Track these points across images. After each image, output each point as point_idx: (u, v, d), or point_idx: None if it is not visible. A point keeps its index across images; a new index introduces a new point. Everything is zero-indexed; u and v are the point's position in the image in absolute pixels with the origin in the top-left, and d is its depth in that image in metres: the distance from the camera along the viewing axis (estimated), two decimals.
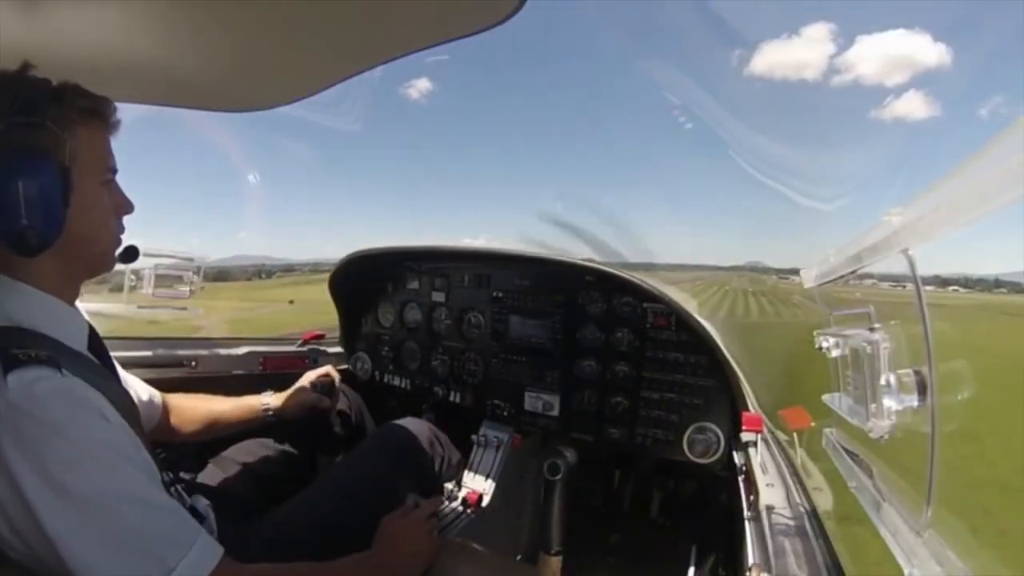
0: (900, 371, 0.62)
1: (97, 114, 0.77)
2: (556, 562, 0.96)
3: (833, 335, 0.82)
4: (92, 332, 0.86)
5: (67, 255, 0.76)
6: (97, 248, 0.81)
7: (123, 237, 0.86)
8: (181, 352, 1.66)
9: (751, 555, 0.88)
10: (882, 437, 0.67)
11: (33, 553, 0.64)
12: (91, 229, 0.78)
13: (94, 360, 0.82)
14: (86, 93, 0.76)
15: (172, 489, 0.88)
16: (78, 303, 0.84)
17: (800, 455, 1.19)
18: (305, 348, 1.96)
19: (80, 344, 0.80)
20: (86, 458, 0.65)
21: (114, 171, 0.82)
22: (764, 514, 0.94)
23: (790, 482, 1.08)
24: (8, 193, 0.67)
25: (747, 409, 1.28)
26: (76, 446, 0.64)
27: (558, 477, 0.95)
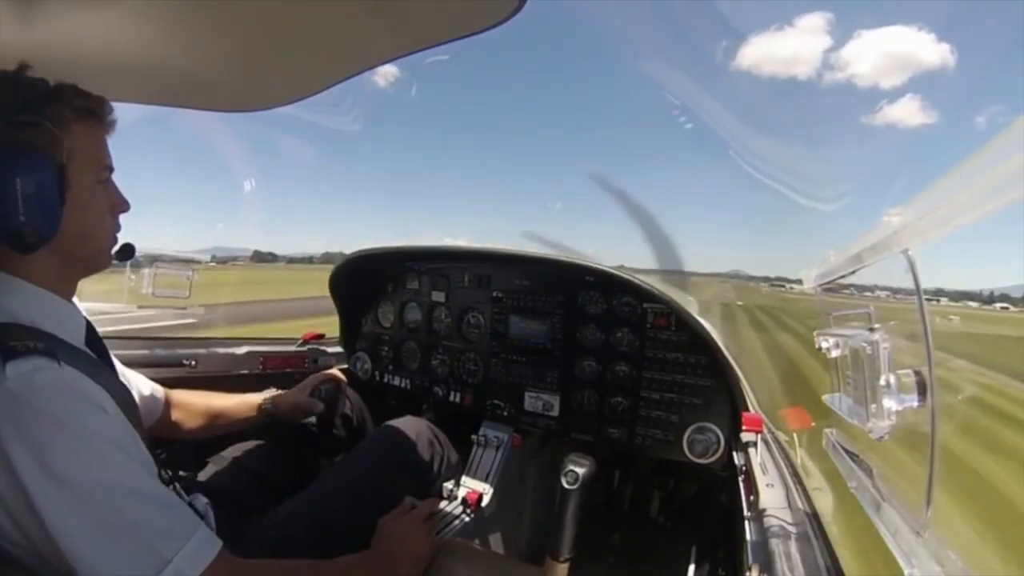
0: (900, 371, 0.62)
1: (93, 113, 0.78)
2: (563, 569, 0.96)
3: (833, 335, 0.82)
4: (90, 328, 0.86)
5: (63, 252, 0.76)
6: (93, 246, 0.82)
7: (119, 235, 0.86)
8: (181, 352, 1.66)
9: (751, 555, 0.88)
10: (882, 437, 0.67)
11: (32, 544, 0.64)
12: (87, 227, 0.78)
13: (92, 355, 0.82)
14: (82, 93, 0.77)
15: (171, 487, 0.88)
16: (76, 301, 0.85)
17: (800, 455, 1.19)
18: (305, 348, 1.96)
19: (77, 340, 0.80)
20: (84, 449, 0.65)
21: (110, 170, 0.82)
22: (764, 514, 0.94)
23: (790, 482, 1.07)
24: (5, 190, 0.67)
25: (747, 409, 1.28)
26: (74, 436, 0.64)
27: (576, 486, 0.94)
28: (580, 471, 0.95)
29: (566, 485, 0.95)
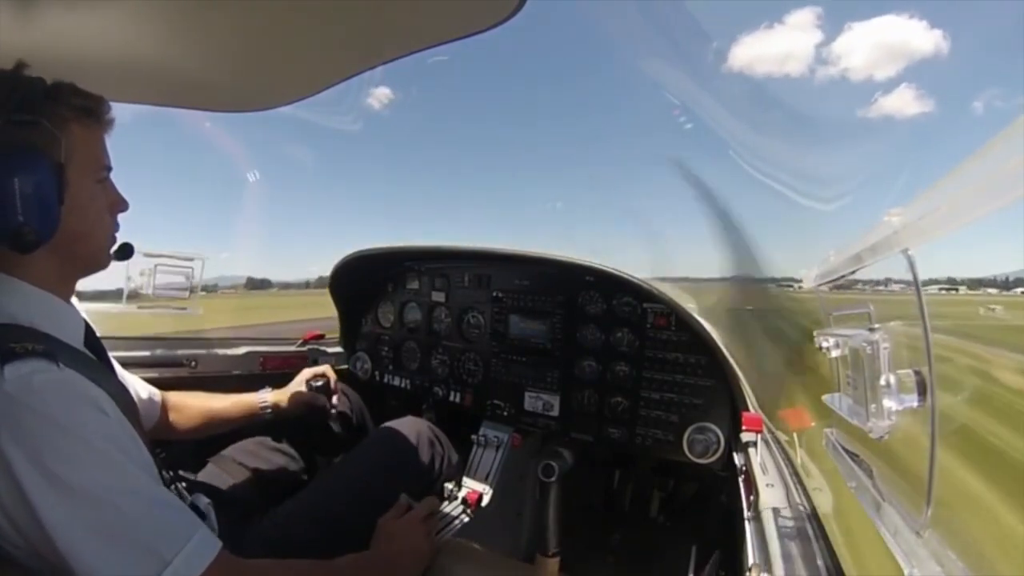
0: (900, 371, 0.62)
1: (91, 112, 0.78)
2: (554, 564, 0.96)
3: (833, 335, 0.82)
4: (88, 329, 0.86)
5: (62, 252, 0.76)
6: (92, 245, 0.82)
7: (118, 235, 0.86)
8: (181, 352, 1.66)
9: (751, 555, 0.88)
10: (882, 437, 0.67)
11: (31, 546, 0.64)
12: (86, 226, 0.78)
13: (91, 356, 0.82)
14: (80, 92, 0.77)
15: (172, 487, 0.88)
16: (75, 302, 0.85)
17: (800, 455, 1.19)
18: (305, 348, 1.96)
19: (77, 341, 0.80)
20: (83, 450, 0.65)
21: (109, 169, 0.82)
22: (764, 514, 0.94)
23: (790, 482, 1.07)
24: (4, 190, 0.67)
25: (747, 409, 1.28)
26: (73, 438, 0.64)
27: (552, 479, 0.94)
28: (555, 464, 0.95)
29: (543, 478, 0.95)
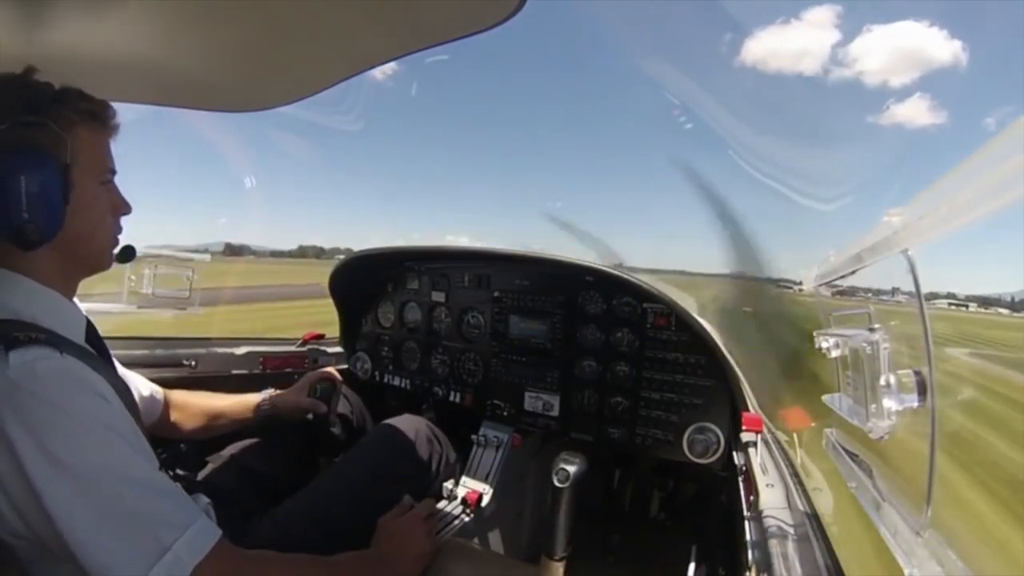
0: (900, 371, 0.62)
1: (97, 117, 0.80)
2: (559, 568, 0.97)
3: (833, 335, 0.82)
4: (90, 327, 0.87)
5: (65, 252, 0.78)
6: (94, 246, 0.83)
7: (120, 237, 0.87)
8: (181, 352, 1.66)
9: (751, 555, 0.88)
10: (882, 437, 0.67)
11: (33, 534, 0.65)
12: (89, 227, 0.80)
13: (92, 352, 0.83)
14: (87, 96, 0.79)
15: None
16: (77, 301, 0.85)
17: (800, 455, 1.19)
18: (305, 348, 1.96)
19: (78, 337, 0.81)
20: (85, 436, 0.66)
21: (113, 172, 0.84)
22: (764, 514, 0.94)
23: (790, 482, 1.07)
24: (10, 188, 0.69)
25: (747, 409, 1.28)
26: (75, 424, 0.65)
27: (567, 484, 0.95)
28: (571, 469, 0.96)
29: (557, 483, 0.95)
